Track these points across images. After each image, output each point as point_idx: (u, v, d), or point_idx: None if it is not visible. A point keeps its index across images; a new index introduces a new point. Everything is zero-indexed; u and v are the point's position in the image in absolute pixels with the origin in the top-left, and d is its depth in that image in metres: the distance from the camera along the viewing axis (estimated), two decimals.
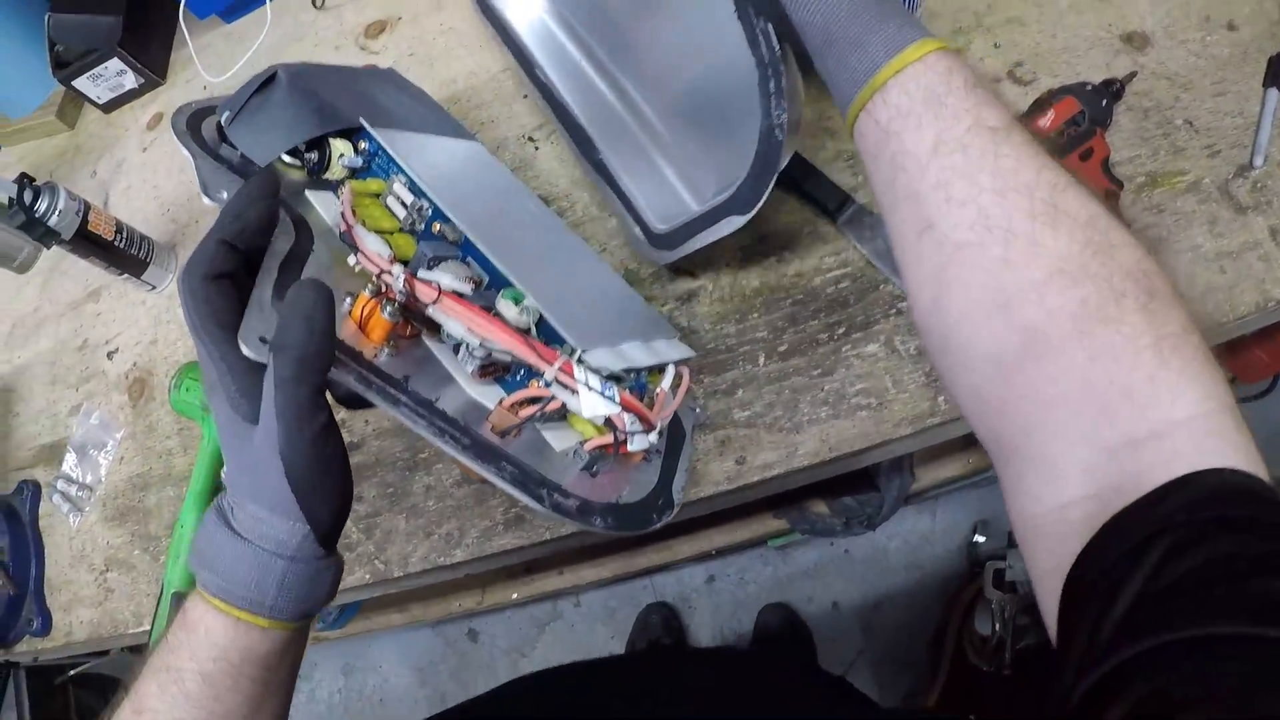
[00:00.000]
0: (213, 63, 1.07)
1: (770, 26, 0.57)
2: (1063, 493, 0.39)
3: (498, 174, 0.77)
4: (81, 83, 1.09)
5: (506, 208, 0.70)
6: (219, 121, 0.63)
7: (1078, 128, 0.72)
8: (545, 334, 0.56)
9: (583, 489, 0.51)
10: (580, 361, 0.53)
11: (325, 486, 0.45)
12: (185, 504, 0.82)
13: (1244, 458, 0.36)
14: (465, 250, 0.59)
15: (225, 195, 0.57)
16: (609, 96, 0.84)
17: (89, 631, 0.88)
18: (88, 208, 0.89)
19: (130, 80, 1.10)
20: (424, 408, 0.48)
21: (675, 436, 0.64)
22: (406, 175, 0.62)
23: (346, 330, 0.51)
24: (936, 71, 0.44)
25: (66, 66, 1.07)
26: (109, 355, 0.98)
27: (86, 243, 0.90)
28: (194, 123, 0.64)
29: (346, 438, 0.77)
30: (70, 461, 0.95)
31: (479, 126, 0.92)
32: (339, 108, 0.64)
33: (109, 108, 1.13)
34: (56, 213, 0.86)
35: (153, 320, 0.96)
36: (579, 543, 0.77)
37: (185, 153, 0.61)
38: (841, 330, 0.73)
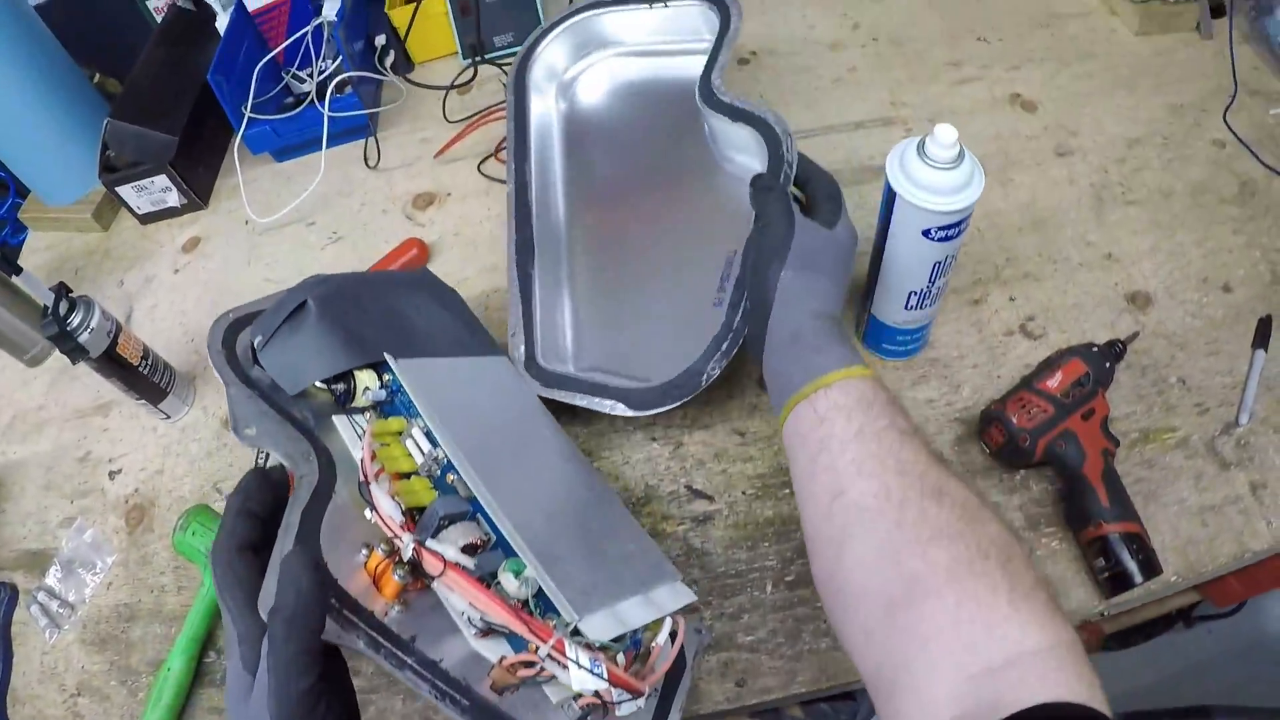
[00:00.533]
0: (258, 199, 1.10)
1: (749, 307, 0.68)
2: (933, 718, 0.45)
3: (519, 395, 0.80)
4: (125, 190, 1.10)
5: (522, 439, 0.73)
6: (251, 342, 0.65)
7: (1082, 389, 0.76)
8: (543, 603, 0.58)
9: None
10: (575, 633, 0.56)
11: None
12: (174, 648, 0.80)
13: (1085, 688, 0.44)
14: (475, 507, 0.61)
15: (254, 431, 0.59)
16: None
17: None
18: (119, 329, 0.90)
19: (174, 198, 1.12)
20: (428, 669, 0.51)
21: (676, 666, 0.65)
22: (424, 422, 0.65)
23: (359, 583, 0.53)
24: (869, 384, 0.58)
25: (114, 171, 1.09)
26: (111, 475, 0.97)
27: (111, 364, 0.90)
28: (230, 337, 0.66)
29: (358, 683, 0.79)
30: (55, 574, 0.94)
31: None
32: (366, 338, 0.67)
33: (146, 220, 1.15)
34: (89, 330, 0.87)
35: (161, 450, 0.97)
36: None
37: (219, 377, 0.63)
38: None
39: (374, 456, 0.60)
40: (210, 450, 0.94)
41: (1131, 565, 0.70)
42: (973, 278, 0.91)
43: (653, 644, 0.61)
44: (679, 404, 0.77)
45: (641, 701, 0.57)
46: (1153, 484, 0.77)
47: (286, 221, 1.09)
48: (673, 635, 0.61)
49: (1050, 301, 0.89)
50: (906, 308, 0.78)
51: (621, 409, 0.78)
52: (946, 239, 0.70)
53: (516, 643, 0.56)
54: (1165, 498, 0.77)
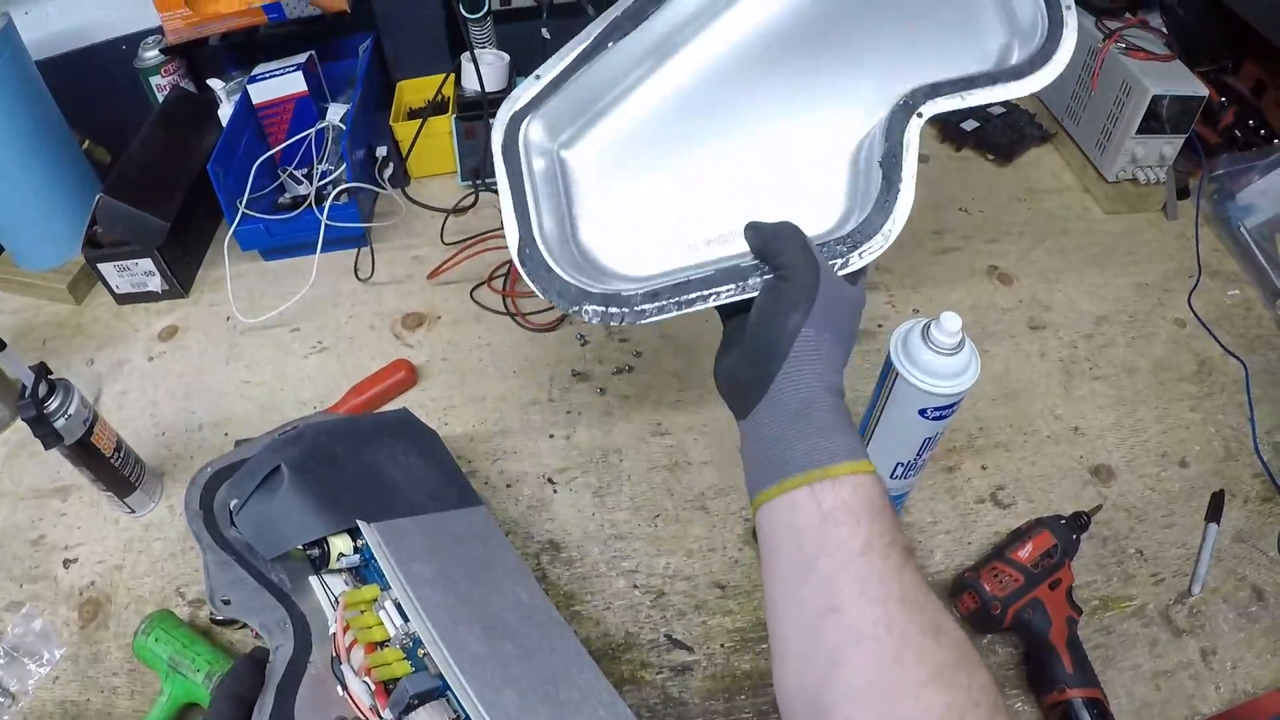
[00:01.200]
0: (242, 296, 1.09)
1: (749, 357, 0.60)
2: None
3: (492, 553, 0.79)
4: (106, 268, 1.09)
5: (497, 601, 0.73)
6: (229, 506, 0.67)
7: (1050, 559, 0.79)
8: None
9: None
10: None
11: None
12: None
13: None
14: (445, 685, 0.61)
15: (231, 602, 0.60)
16: None
17: None
18: (95, 418, 0.88)
19: (155, 283, 1.11)
20: None
21: None
22: (395, 599, 0.64)
23: None
24: (878, 488, 0.54)
25: (98, 247, 1.08)
26: (66, 563, 0.94)
27: (84, 452, 0.88)
28: (208, 495, 0.67)
29: None
30: None
31: (500, 456, 0.96)
32: (340, 501, 0.68)
33: (124, 300, 1.13)
34: (66, 416, 0.85)
35: (123, 544, 0.94)
36: None
37: (199, 545, 0.65)
38: None
39: (346, 629, 0.60)
40: (174, 552, 0.92)
41: None
42: (947, 445, 0.94)
43: None
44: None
45: None
46: (1110, 649, 0.81)
47: (270, 324, 1.08)
48: None
49: (1020, 471, 0.92)
50: (892, 477, 0.80)
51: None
52: (941, 418, 0.73)
53: None
54: (1122, 663, 0.80)
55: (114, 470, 0.91)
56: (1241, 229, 1.14)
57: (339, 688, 0.57)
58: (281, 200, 1.14)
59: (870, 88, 0.72)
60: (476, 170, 1.21)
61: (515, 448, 0.96)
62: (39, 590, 0.93)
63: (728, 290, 0.63)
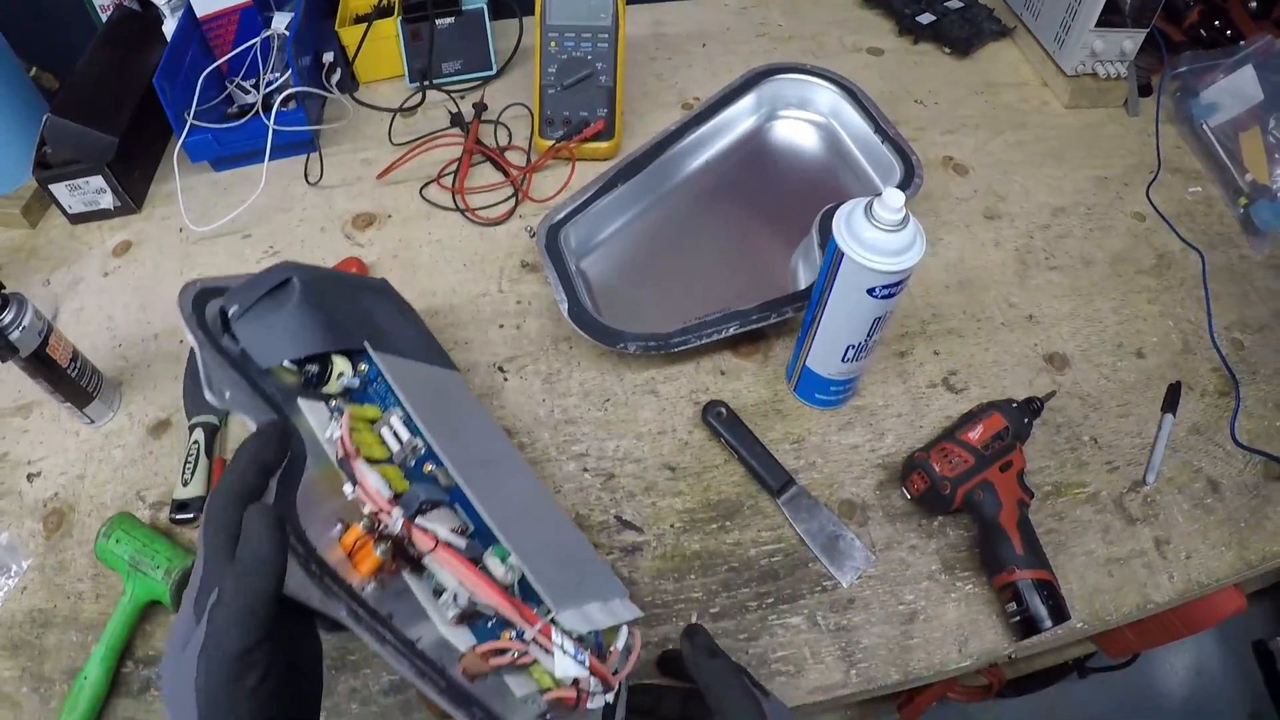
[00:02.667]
0: (194, 207, 1.08)
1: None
2: None
3: (474, 411, 0.80)
4: (58, 189, 1.08)
5: (486, 450, 0.73)
6: (222, 309, 0.64)
7: (1001, 442, 0.79)
8: (523, 590, 0.59)
9: None
10: (554, 623, 0.57)
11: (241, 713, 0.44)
12: (92, 656, 0.78)
13: None
14: (453, 497, 0.62)
15: (228, 395, 0.58)
16: None
17: None
18: (50, 329, 0.88)
19: (107, 200, 1.09)
20: (407, 648, 0.50)
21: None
22: (404, 410, 0.65)
23: (334, 556, 0.52)
24: None
25: (48, 168, 1.07)
26: (29, 477, 0.94)
27: (40, 364, 0.87)
28: (198, 305, 0.64)
29: None
30: None
31: (452, 346, 0.95)
32: (346, 326, 0.67)
33: (77, 220, 1.12)
34: (20, 328, 0.84)
35: (83, 455, 0.94)
36: None
37: (190, 338, 0.61)
38: (770, 600, 0.78)
39: (352, 438, 0.59)
40: (134, 458, 0.92)
41: (1041, 610, 0.73)
42: (900, 331, 0.94)
43: (610, 647, 0.62)
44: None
45: (609, 696, 0.58)
46: (1063, 535, 0.81)
47: (222, 232, 1.08)
48: (628, 648, 0.62)
49: (973, 358, 0.93)
50: (843, 360, 0.81)
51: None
52: (889, 296, 0.73)
53: (483, 634, 0.56)
54: (1074, 549, 0.81)
55: (71, 381, 0.91)
56: (1204, 127, 1.13)
57: (347, 487, 0.56)
58: (230, 111, 1.12)
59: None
60: (423, 71, 1.20)
61: (466, 338, 0.96)
62: (4, 506, 0.93)
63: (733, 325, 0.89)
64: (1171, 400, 0.89)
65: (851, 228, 0.71)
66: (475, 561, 0.57)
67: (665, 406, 0.90)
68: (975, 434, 0.79)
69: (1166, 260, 1.02)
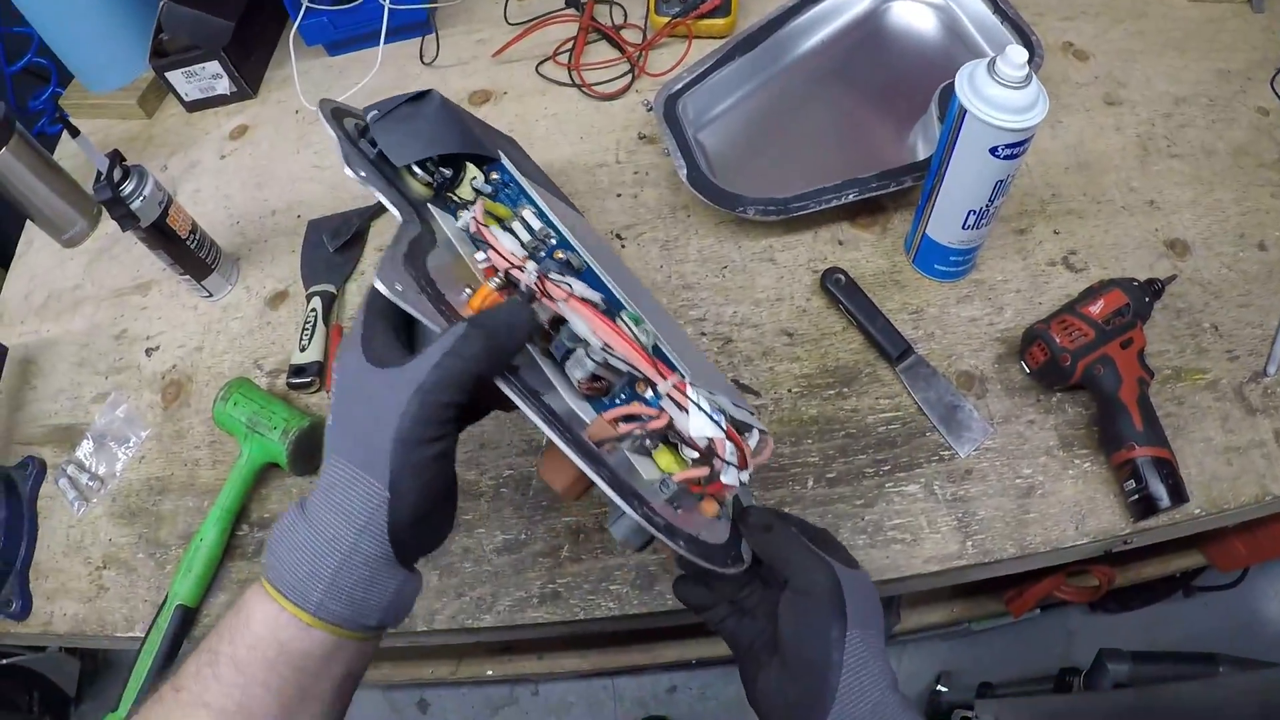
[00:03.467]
0: (309, 90, 1.10)
1: (793, 679, 0.56)
2: None
3: (605, 246, 0.80)
4: (175, 76, 1.10)
5: (613, 264, 0.72)
6: (357, 124, 0.65)
7: (1122, 318, 0.78)
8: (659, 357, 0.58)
9: (666, 516, 0.52)
10: (690, 384, 0.56)
11: (424, 470, 0.46)
12: (208, 518, 0.81)
13: None
14: (586, 278, 0.62)
15: (364, 174, 0.59)
16: None
17: (71, 625, 0.85)
18: (170, 201, 0.90)
19: (223, 86, 1.12)
20: (535, 396, 0.50)
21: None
22: (537, 206, 0.65)
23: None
24: None
25: (164, 56, 1.09)
26: (148, 352, 0.97)
27: (160, 235, 0.90)
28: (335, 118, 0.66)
29: None
30: (86, 449, 0.93)
31: None
32: (480, 138, 0.67)
33: (193, 107, 1.15)
34: (141, 198, 0.87)
35: (202, 327, 0.97)
36: (600, 628, 0.79)
37: (330, 132, 0.62)
38: (887, 468, 0.77)
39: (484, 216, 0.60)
40: (252, 328, 0.95)
41: (1160, 489, 0.72)
42: (1019, 208, 0.93)
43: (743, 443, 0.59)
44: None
45: (744, 476, 0.56)
46: (1181, 420, 0.79)
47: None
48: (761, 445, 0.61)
49: (1092, 239, 0.90)
50: (964, 227, 0.79)
51: None
52: (1012, 156, 0.71)
53: (608, 409, 0.56)
54: (1193, 434, 0.79)
55: (190, 252, 0.93)
56: None
57: (477, 254, 0.57)
58: None
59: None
60: None
61: (584, 206, 0.97)
62: (123, 380, 0.96)
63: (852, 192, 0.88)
64: None
65: (974, 85, 0.70)
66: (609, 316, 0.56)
67: (783, 274, 0.90)
68: (1096, 308, 0.78)
69: None
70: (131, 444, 0.93)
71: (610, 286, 0.62)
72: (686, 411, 0.55)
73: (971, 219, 0.78)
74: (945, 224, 0.81)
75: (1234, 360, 0.83)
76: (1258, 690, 1.00)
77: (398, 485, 0.45)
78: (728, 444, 0.55)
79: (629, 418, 0.54)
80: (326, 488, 0.46)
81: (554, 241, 0.64)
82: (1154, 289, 0.82)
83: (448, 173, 0.65)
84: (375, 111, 0.64)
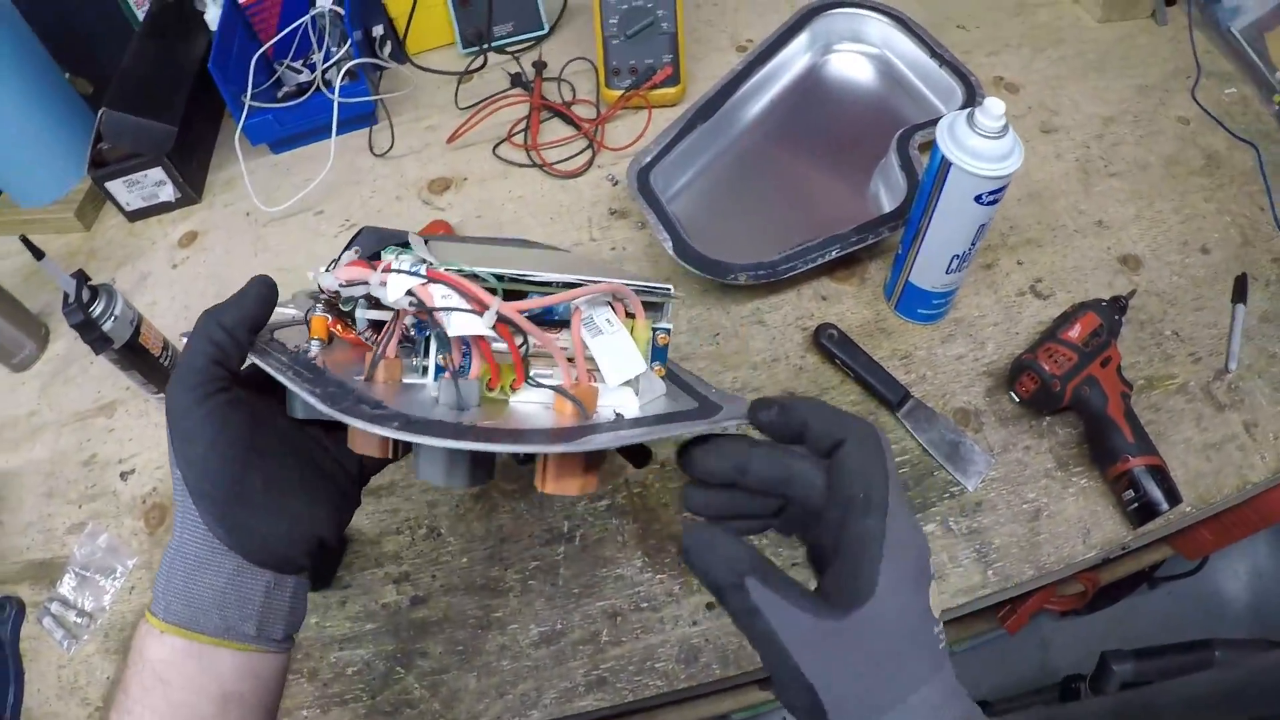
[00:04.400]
0: (258, 190, 1.07)
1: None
2: None
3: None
4: (115, 186, 1.06)
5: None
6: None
7: (1099, 338, 0.82)
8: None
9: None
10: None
11: (194, 434, 0.46)
12: None
13: None
14: None
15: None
16: None
17: None
18: (140, 318, 0.87)
19: (167, 193, 1.09)
20: (299, 369, 0.49)
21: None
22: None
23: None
24: None
25: (103, 165, 1.06)
26: (123, 476, 0.93)
27: (133, 355, 0.87)
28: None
29: (411, 591, 0.79)
30: (69, 584, 0.89)
31: None
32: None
33: (135, 216, 1.11)
34: (113, 318, 0.83)
35: None
36: (660, 700, 0.79)
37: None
38: None
39: None
40: None
41: (1158, 494, 0.76)
42: (984, 245, 0.95)
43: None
44: None
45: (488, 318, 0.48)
46: (1161, 425, 0.84)
47: (294, 211, 1.07)
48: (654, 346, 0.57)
49: (1053, 265, 0.95)
50: (948, 271, 0.82)
51: None
52: (994, 201, 0.75)
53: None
54: (1173, 437, 0.84)
55: (163, 369, 0.90)
56: (1231, 30, 1.15)
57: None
58: (286, 91, 1.12)
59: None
60: (479, 34, 1.20)
61: None
62: (99, 508, 0.92)
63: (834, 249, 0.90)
64: (1240, 291, 0.91)
65: (956, 137, 0.73)
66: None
67: (775, 335, 0.92)
68: (1075, 332, 0.82)
69: (1215, 160, 1.04)
70: (118, 574, 0.88)
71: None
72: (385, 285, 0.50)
73: (955, 263, 0.81)
74: (929, 270, 0.84)
75: (1198, 362, 0.88)
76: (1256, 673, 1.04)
77: (180, 460, 0.46)
78: (436, 289, 0.49)
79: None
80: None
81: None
82: (1120, 305, 0.87)
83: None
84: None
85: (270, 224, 1.08)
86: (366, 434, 0.49)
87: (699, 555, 0.44)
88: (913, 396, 0.85)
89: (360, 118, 1.14)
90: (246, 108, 1.04)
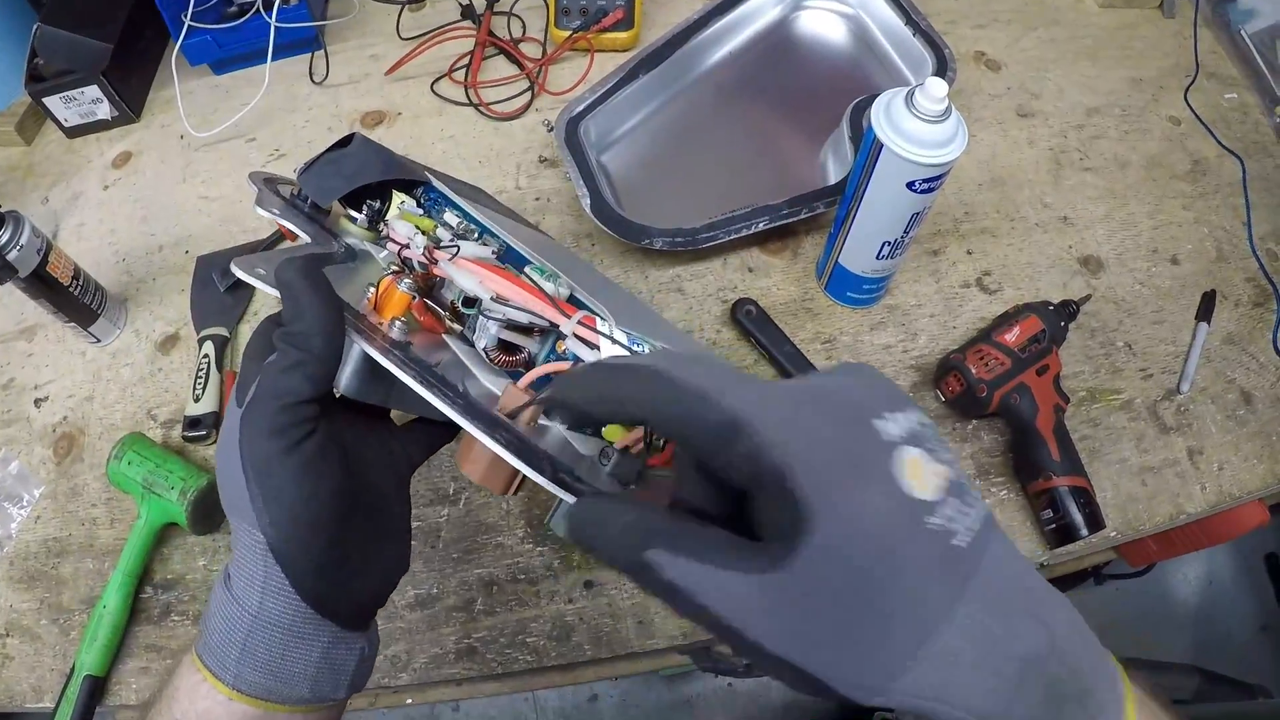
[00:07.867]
0: (194, 113, 1.04)
1: None
2: None
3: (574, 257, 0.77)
4: (52, 101, 1.04)
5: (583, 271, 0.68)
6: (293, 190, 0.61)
7: (1038, 345, 0.77)
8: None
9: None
10: (601, 319, 0.50)
11: (283, 492, 0.40)
12: (109, 584, 0.77)
13: None
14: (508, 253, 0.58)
15: (276, 210, 0.55)
16: None
17: None
18: (49, 247, 0.85)
19: (104, 111, 1.06)
20: (421, 367, 0.44)
21: None
22: (460, 209, 0.61)
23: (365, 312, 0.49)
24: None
25: (41, 81, 1.03)
26: (36, 402, 0.91)
27: (40, 284, 0.84)
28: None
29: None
30: None
31: None
32: (407, 165, 0.63)
33: (73, 133, 1.08)
34: (18, 247, 0.81)
35: (91, 375, 0.91)
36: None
37: (263, 214, 0.56)
38: None
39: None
40: (143, 376, 0.90)
41: (1078, 518, 0.72)
42: (933, 229, 0.92)
43: None
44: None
45: None
46: (1097, 442, 0.80)
47: (225, 137, 1.04)
48: None
49: (1006, 259, 0.90)
50: (878, 257, 0.78)
51: None
52: (929, 190, 0.70)
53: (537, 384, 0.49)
54: (1108, 456, 0.79)
55: (74, 299, 0.88)
56: (1241, 33, 1.08)
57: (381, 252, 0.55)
58: (229, 11, 1.07)
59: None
60: None
61: None
62: (13, 434, 0.90)
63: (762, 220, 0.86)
64: (1206, 309, 0.86)
65: (891, 118, 0.68)
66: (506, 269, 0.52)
67: (692, 304, 0.88)
68: (1012, 336, 0.77)
69: (1202, 167, 0.98)
70: (25, 503, 0.87)
71: (517, 246, 0.57)
72: (598, 349, 0.48)
73: (886, 249, 0.77)
74: (859, 254, 0.79)
75: (1148, 379, 0.84)
76: None
77: (266, 523, 0.40)
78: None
79: (545, 380, 0.47)
80: (234, 549, 0.42)
81: (476, 235, 0.60)
82: (1069, 311, 0.82)
83: (376, 204, 0.61)
84: (301, 165, 0.60)
85: (202, 149, 1.05)
86: (496, 465, 0.44)
87: (585, 534, 0.33)
88: None
89: (302, 42, 1.09)
90: (186, 27, 1.00)
